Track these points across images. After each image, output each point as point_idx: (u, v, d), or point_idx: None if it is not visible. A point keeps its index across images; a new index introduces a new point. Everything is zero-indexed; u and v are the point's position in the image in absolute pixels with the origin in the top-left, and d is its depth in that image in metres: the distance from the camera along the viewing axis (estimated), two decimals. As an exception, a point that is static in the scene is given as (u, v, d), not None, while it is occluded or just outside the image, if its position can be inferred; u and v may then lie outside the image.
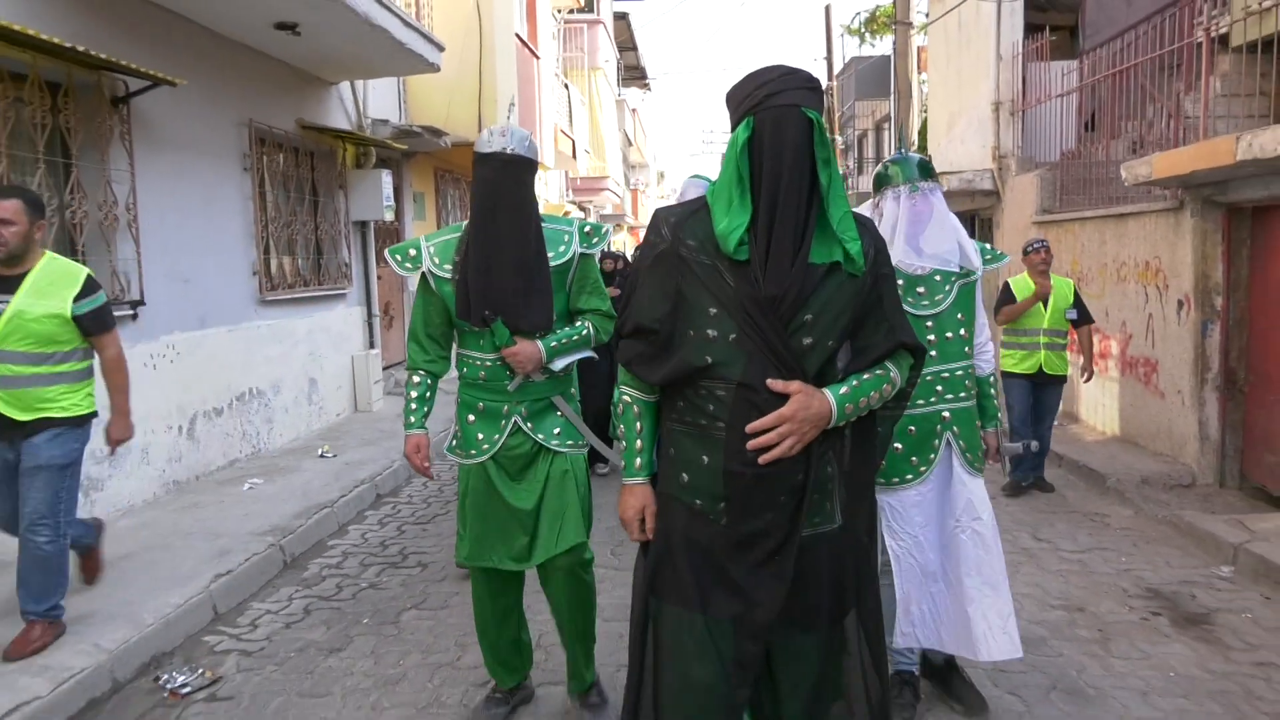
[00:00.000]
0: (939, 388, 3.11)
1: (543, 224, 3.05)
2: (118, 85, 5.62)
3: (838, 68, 25.81)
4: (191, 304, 6.46)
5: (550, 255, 3.04)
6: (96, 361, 3.97)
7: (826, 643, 2.14)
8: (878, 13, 25.44)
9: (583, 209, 21.16)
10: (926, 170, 3.14)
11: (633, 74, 29.65)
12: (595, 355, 3.33)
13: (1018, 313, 6.18)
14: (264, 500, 6.01)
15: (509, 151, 2.93)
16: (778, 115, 1.99)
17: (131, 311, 5.76)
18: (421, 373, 3.15)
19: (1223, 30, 7.49)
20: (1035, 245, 6.21)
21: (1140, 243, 7.19)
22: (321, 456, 7.30)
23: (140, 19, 5.95)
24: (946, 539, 3.10)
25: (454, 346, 3.20)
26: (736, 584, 2.06)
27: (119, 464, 5.61)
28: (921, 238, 3.07)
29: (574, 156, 16.51)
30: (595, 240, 3.13)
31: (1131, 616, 4.23)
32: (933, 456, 3.10)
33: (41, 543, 3.75)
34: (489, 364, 3.03)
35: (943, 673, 3.38)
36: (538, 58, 13.12)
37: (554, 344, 3.02)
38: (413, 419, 3.14)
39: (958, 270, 3.12)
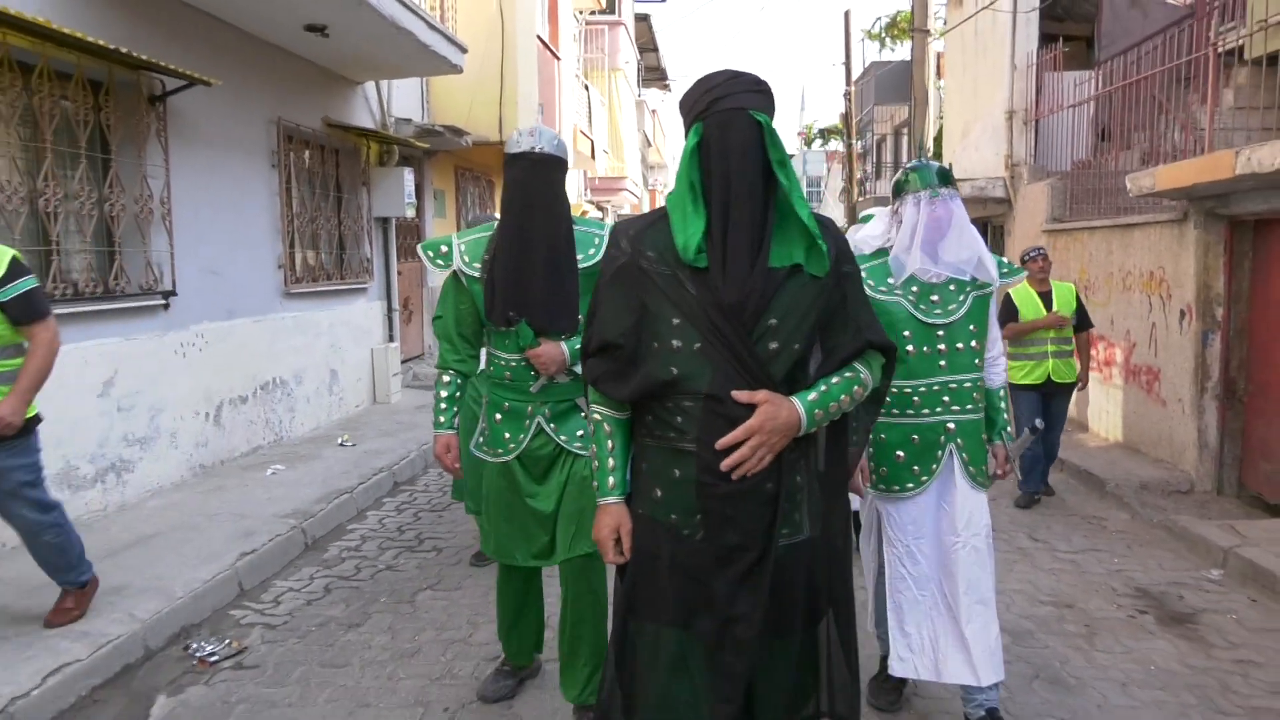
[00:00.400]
0: (945, 398, 3.07)
1: (573, 226, 3.04)
2: (155, 84, 5.86)
3: (857, 72, 25.90)
4: (220, 295, 6.70)
5: (579, 257, 3.02)
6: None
7: (801, 647, 2.12)
8: (898, 18, 25.53)
9: (600, 209, 21.36)
10: (946, 177, 3.10)
11: (653, 75, 29.81)
12: None
13: (1025, 332, 6.12)
14: (286, 485, 6.23)
15: (537, 151, 2.94)
16: (724, 119, 1.97)
17: (164, 302, 6.00)
18: (451, 372, 3.17)
19: (1237, 44, 7.60)
20: (1033, 254, 6.25)
21: (1145, 253, 7.32)
22: (341, 445, 7.52)
23: (179, 21, 6.20)
24: (944, 554, 3.09)
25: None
26: (717, 600, 2.02)
27: (149, 447, 5.85)
28: (941, 245, 3.05)
29: (593, 157, 16.70)
30: None
31: (1119, 614, 4.39)
32: (935, 467, 3.08)
33: (47, 540, 3.80)
34: (514, 364, 3.04)
35: None
36: (558, 59, 13.32)
37: (579, 346, 2.94)
38: (442, 419, 3.17)
39: (971, 280, 3.09)
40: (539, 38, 11.87)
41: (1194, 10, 9.06)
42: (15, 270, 3.50)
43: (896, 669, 3.15)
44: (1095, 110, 9.92)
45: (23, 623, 3.90)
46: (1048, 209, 9.54)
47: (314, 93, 8.16)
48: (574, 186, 18.05)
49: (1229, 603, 4.54)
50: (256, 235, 7.27)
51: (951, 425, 3.07)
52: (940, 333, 3.06)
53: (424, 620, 4.29)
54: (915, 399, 3.07)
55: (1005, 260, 3.36)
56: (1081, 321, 6.35)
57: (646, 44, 26.64)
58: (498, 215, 3.43)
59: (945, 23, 14.82)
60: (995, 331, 3.26)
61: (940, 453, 3.08)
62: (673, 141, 36.79)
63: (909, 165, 3.23)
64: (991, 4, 11.12)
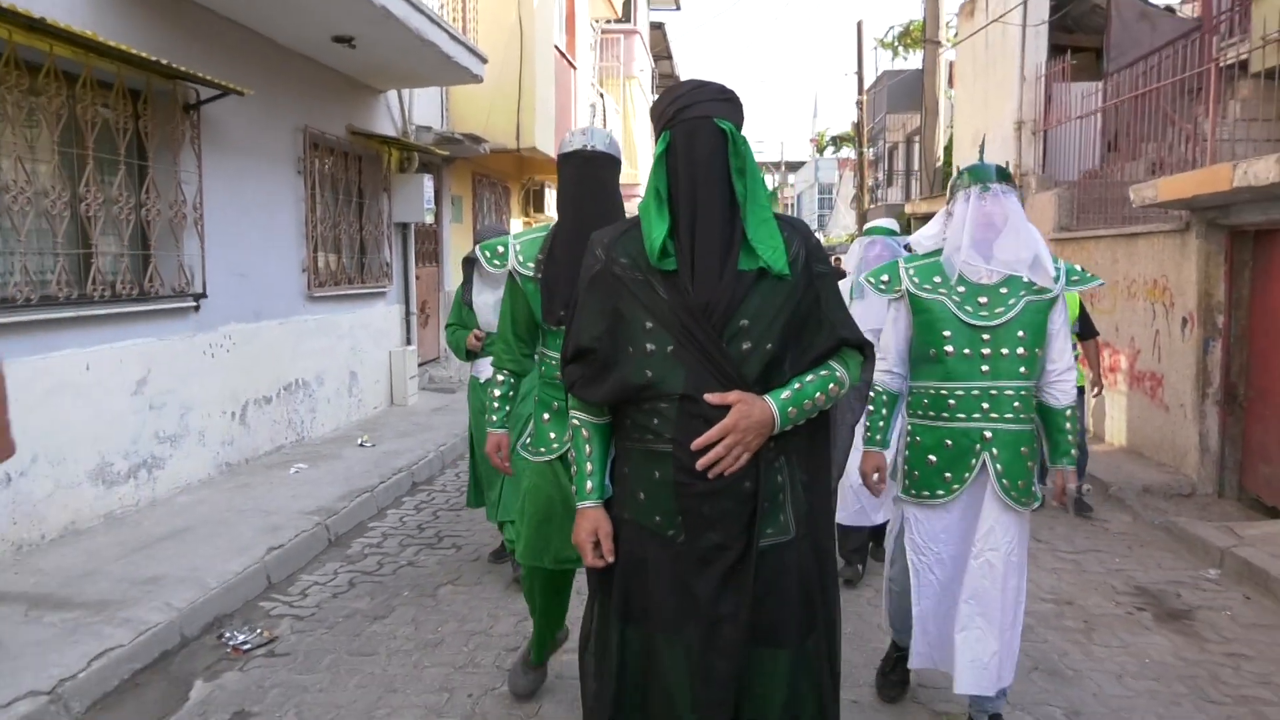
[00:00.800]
0: (985, 404, 2.95)
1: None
2: (190, 93, 6.08)
3: (869, 81, 26.06)
4: (247, 297, 6.92)
5: None
6: None
7: (796, 660, 2.11)
8: (910, 27, 25.69)
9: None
10: (1001, 173, 3.00)
11: (667, 82, 30.04)
12: None
13: None
14: (309, 483, 6.43)
15: (590, 149, 2.95)
16: (690, 127, 2.02)
17: (195, 304, 6.21)
18: (506, 371, 3.21)
19: (1241, 58, 7.75)
20: None
21: (1149, 262, 7.47)
22: (361, 446, 7.72)
23: (214, 31, 6.43)
24: (960, 561, 3.07)
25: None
26: (701, 602, 2.04)
27: (179, 444, 6.06)
28: (995, 243, 2.95)
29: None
30: None
31: (1117, 610, 4.54)
32: (967, 475, 2.99)
33: None
34: None
35: None
36: (575, 68, 13.53)
37: None
38: (494, 417, 3.24)
39: (1027, 284, 2.96)
40: (556, 47, 12.08)
41: (1200, 24, 9.21)
42: None
43: (915, 662, 3.21)
44: (1103, 121, 10.07)
45: (65, 609, 4.10)
46: (1055, 218, 9.69)
47: (339, 101, 8.38)
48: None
49: (1224, 600, 4.69)
50: (282, 239, 7.49)
51: (988, 434, 2.96)
52: (985, 336, 2.94)
53: (446, 613, 4.47)
54: (951, 402, 2.99)
55: (1078, 267, 3.13)
56: (1085, 329, 6.36)
57: (661, 52, 26.87)
58: (505, 223, 3.45)
59: (956, 34, 14.97)
60: (1063, 345, 3.05)
61: (974, 460, 2.98)
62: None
63: (964, 166, 3.14)
64: (1002, 17, 11.28)
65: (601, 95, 17.26)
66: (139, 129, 5.67)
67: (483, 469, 5.10)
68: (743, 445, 1.99)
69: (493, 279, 4.81)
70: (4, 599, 4.19)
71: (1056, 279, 3.01)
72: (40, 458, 4.90)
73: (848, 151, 38.81)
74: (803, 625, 2.11)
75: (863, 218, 23.58)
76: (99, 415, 5.32)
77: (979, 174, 3.00)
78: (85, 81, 5.16)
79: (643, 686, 2.14)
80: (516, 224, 14.05)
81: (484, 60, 9.07)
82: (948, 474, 3.02)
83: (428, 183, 9.69)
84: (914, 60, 25.43)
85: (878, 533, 4.95)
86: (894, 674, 3.56)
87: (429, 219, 9.99)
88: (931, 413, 3.05)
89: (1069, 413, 3.07)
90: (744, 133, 2.08)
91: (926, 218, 14.39)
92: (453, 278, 11.64)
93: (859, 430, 3.13)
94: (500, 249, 3.12)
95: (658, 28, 25.41)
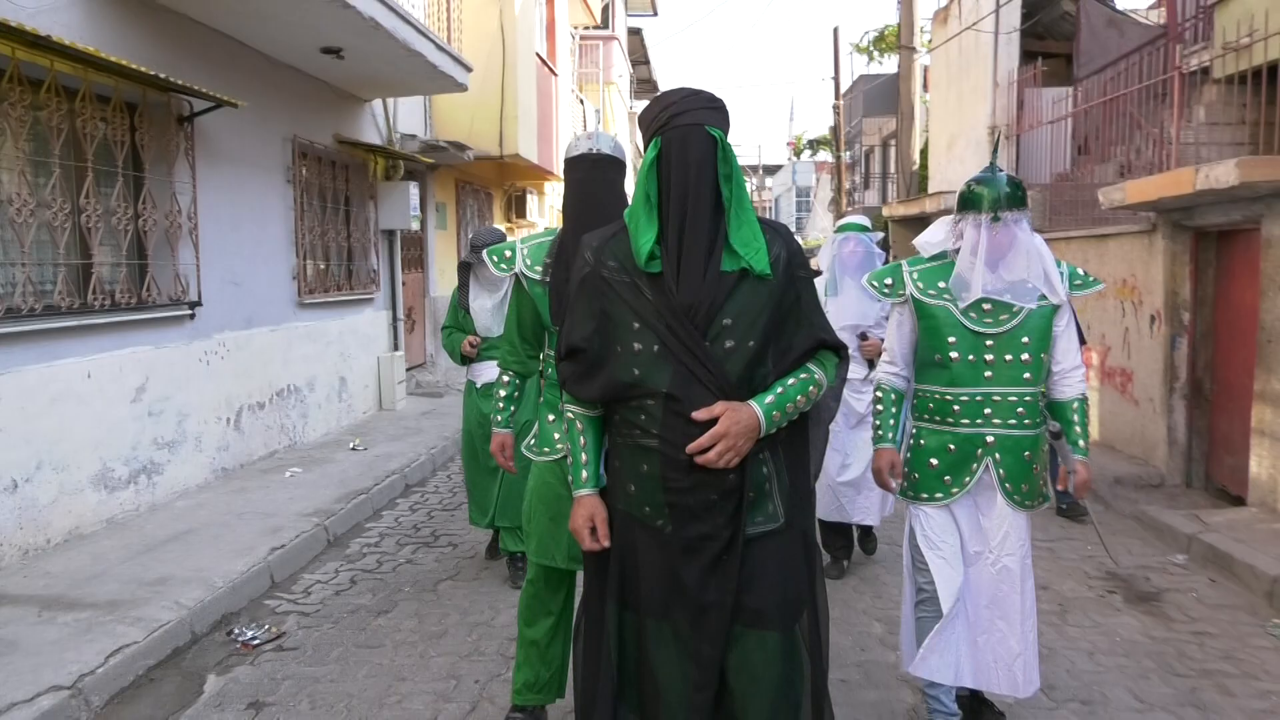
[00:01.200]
0: (987, 410, 2.98)
1: None
2: (183, 105, 6.20)
3: (845, 85, 26.37)
4: (240, 305, 7.04)
5: None
6: None
7: (786, 642, 2.18)
8: (886, 32, 26.01)
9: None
10: (1014, 198, 2.92)
11: (645, 87, 30.28)
12: None
13: None
14: (305, 486, 6.56)
15: (596, 152, 2.99)
16: (683, 134, 2.10)
17: (190, 312, 6.33)
18: (511, 373, 3.27)
19: (1201, 65, 8.02)
20: None
21: (1119, 262, 7.72)
22: (353, 449, 7.84)
23: (206, 45, 6.56)
24: (968, 564, 3.07)
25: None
26: (688, 589, 2.14)
27: (176, 450, 6.17)
28: (1001, 264, 2.95)
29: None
30: None
31: (1090, 594, 4.75)
32: (968, 480, 3.02)
33: None
34: None
35: (972, 705, 3.31)
36: (556, 75, 13.70)
37: None
38: (499, 418, 3.32)
39: (1031, 289, 2.98)
40: (538, 54, 12.24)
41: (1167, 31, 9.49)
42: None
43: (942, 679, 3.08)
44: (1074, 125, 10.34)
45: (77, 609, 4.22)
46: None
47: (326, 111, 8.51)
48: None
49: (1190, 583, 4.92)
50: (273, 248, 7.61)
51: (991, 439, 2.99)
52: (989, 342, 2.97)
53: (448, 606, 4.62)
54: (956, 407, 3.02)
55: (1080, 270, 3.15)
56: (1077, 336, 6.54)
57: (639, 57, 27.11)
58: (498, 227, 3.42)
59: (931, 40, 15.27)
60: (1070, 344, 3.11)
61: (975, 465, 3.01)
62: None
63: (976, 177, 3.02)
64: (975, 24, 11.55)
65: (582, 101, 17.43)
66: (135, 141, 5.79)
67: (469, 474, 5.21)
68: (734, 451, 2.08)
69: (491, 284, 4.98)
70: (16, 601, 4.31)
71: (1075, 286, 3.08)
72: (45, 464, 5.01)
73: (825, 155, 39.12)
74: (793, 608, 2.20)
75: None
76: (100, 422, 5.44)
77: (992, 199, 2.91)
78: (84, 96, 5.28)
79: (638, 664, 2.25)
80: (500, 229, 14.17)
81: (469, 69, 9.22)
82: (947, 477, 3.05)
83: (413, 190, 9.82)
84: (889, 65, 25.74)
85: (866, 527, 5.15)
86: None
87: (415, 226, 10.12)
88: (937, 417, 3.08)
89: (1076, 404, 3.11)
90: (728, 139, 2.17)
91: (904, 220, 14.65)
92: (438, 284, 11.77)
93: (866, 428, 3.16)
94: (508, 253, 3.14)
95: (635, 33, 25.65)
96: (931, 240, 3.18)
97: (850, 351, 4.32)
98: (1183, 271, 6.86)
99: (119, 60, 5.16)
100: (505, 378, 3.28)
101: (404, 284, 10.61)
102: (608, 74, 20.52)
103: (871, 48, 27.36)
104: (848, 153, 26.92)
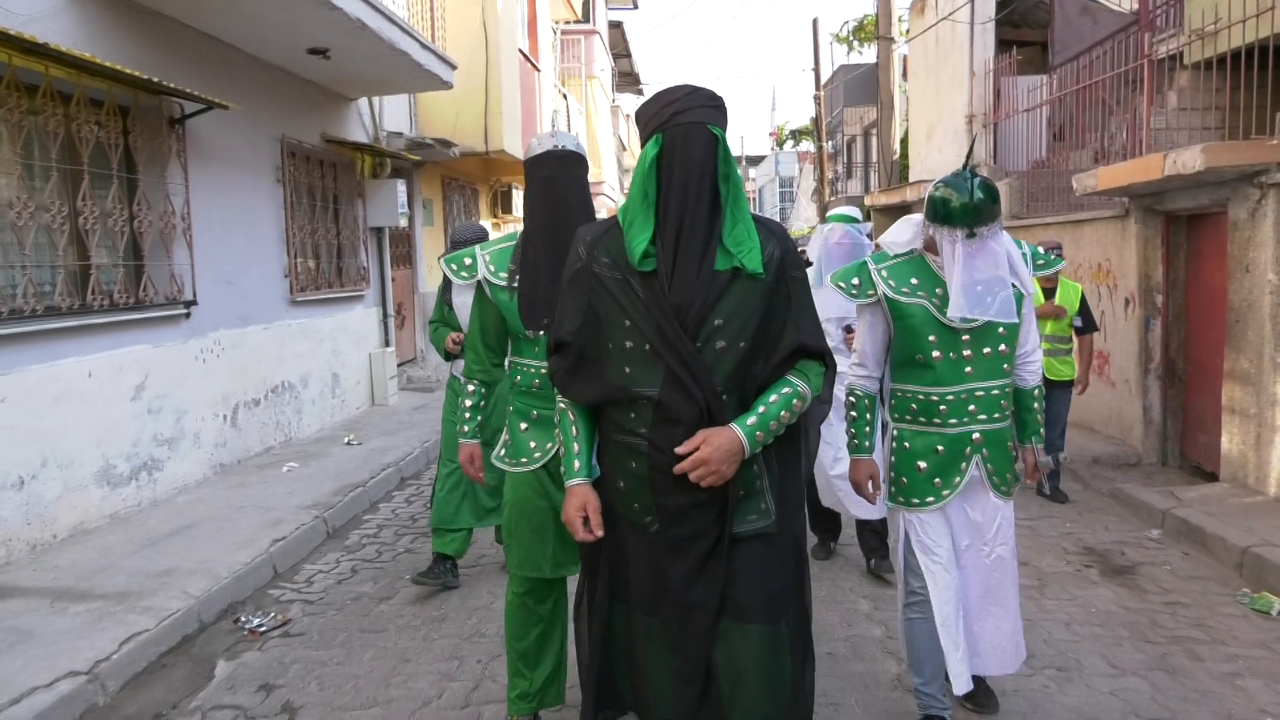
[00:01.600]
0: (971, 407, 2.94)
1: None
2: (175, 108, 6.29)
3: (825, 76, 26.55)
4: (234, 304, 7.14)
5: None
6: None
7: (772, 636, 2.18)
8: (865, 22, 26.21)
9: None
10: (989, 214, 2.85)
11: (626, 80, 30.37)
12: None
13: None
14: (303, 480, 6.67)
15: (560, 149, 2.94)
16: (685, 132, 2.08)
17: (186, 311, 6.43)
18: (476, 381, 3.20)
19: (1173, 51, 8.20)
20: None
21: (1094, 246, 7.91)
22: (348, 444, 7.96)
23: (196, 48, 6.65)
24: (961, 557, 3.07)
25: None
26: (675, 588, 2.17)
27: (176, 447, 6.28)
28: (976, 270, 2.89)
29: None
30: None
31: (1067, 568, 4.93)
32: (958, 480, 2.98)
33: None
34: (545, 372, 2.88)
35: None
36: (538, 70, 13.80)
37: None
38: (466, 428, 3.22)
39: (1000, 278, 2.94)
40: (520, 50, 12.34)
41: (1139, 18, 9.68)
42: None
43: (958, 687, 3.03)
44: (1050, 113, 10.53)
45: (88, 600, 4.34)
46: (1006, 207, 10.12)
47: (313, 111, 8.60)
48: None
49: (1164, 556, 5.11)
50: (264, 247, 7.71)
51: (978, 435, 2.96)
52: (965, 337, 2.92)
53: (448, 592, 4.75)
54: (942, 408, 2.96)
55: (1040, 249, 3.15)
56: (1086, 324, 6.27)
57: (620, 50, 27.17)
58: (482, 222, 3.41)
59: (909, 29, 15.44)
60: (1030, 327, 3.09)
61: (965, 465, 2.98)
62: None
63: (945, 182, 2.92)
64: (951, 15, 11.72)
65: (565, 96, 17.53)
66: (129, 144, 5.88)
67: (442, 470, 5.04)
68: (717, 475, 2.08)
69: (464, 288, 5.04)
70: (28, 593, 4.42)
71: (1038, 267, 3.09)
72: (50, 461, 5.12)
73: (807, 145, 39.36)
74: (778, 604, 2.21)
75: (824, 210, 24.04)
76: (101, 420, 5.54)
77: (965, 216, 2.84)
78: (78, 100, 5.37)
79: (629, 656, 2.32)
80: (486, 225, 14.29)
81: (453, 66, 9.32)
82: (937, 480, 2.99)
83: (400, 187, 9.91)
84: (869, 55, 25.95)
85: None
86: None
87: (403, 223, 10.22)
88: (922, 418, 3.00)
89: (1037, 392, 3.13)
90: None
91: (886, 209, 14.82)
92: (426, 280, 11.87)
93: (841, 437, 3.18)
94: (468, 260, 3.05)
95: (616, 27, 25.71)
96: (898, 240, 3.13)
97: (836, 344, 4.42)
98: (1155, 255, 7.05)
99: (112, 65, 5.25)
100: (471, 386, 3.20)
101: (393, 280, 10.71)
102: (590, 68, 20.60)
103: (851, 38, 27.62)
104: (830, 143, 27.12)
